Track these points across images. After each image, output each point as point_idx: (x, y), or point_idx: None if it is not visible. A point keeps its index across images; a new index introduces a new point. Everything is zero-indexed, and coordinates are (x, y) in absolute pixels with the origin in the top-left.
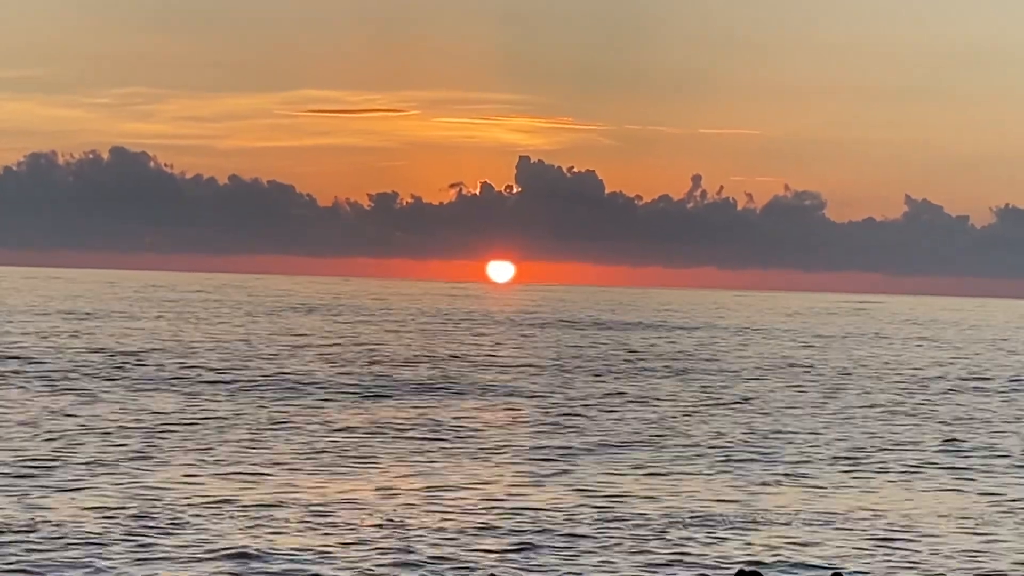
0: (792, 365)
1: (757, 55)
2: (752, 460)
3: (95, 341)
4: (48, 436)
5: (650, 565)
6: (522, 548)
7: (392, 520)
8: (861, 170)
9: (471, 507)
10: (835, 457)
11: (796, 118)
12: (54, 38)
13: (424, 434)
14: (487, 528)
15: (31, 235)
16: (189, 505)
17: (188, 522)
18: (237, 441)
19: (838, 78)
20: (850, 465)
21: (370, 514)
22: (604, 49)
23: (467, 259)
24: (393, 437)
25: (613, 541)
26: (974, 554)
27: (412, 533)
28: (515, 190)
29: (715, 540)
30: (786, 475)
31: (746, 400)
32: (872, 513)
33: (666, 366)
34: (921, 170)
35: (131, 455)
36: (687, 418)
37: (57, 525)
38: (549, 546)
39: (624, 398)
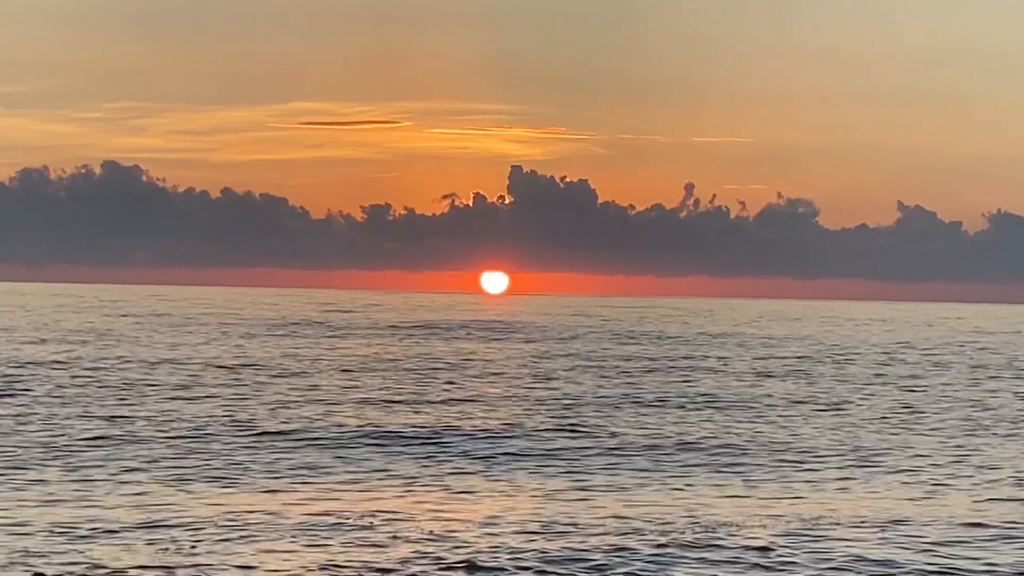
0: None
1: (749, 63)
2: None
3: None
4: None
5: None
6: None
7: None
8: (854, 177)
9: None
10: None
11: (788, 125)
12: (45, 53)
13: None
14: None
15: (23, 251)
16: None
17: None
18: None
19: (830, 84)
20: None
21: None
22: (597, 59)
23: (460, 270)
24: None
25: None
26: None
27: None
28: (508, 200)
29: None
30: None
31: None
32: None
33: None
34: (913, 176)
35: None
36: None
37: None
38: None
39: None
